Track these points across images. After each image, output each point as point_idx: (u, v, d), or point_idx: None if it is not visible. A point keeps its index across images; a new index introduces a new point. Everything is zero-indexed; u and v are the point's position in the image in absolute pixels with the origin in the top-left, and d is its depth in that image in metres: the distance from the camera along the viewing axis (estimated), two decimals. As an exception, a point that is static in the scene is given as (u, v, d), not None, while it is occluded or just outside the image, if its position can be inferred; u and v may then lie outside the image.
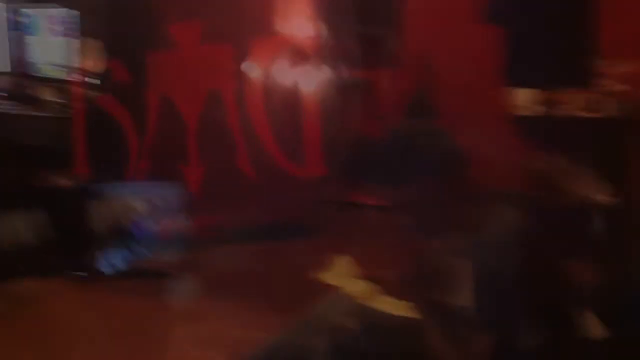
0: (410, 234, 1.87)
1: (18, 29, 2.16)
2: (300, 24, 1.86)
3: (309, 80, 1.83)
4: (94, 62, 1.99)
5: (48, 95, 2.08)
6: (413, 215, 1.91)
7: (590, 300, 1.42)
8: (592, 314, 1.40)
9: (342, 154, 1.95)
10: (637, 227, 1.63)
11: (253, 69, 1.83)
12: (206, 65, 1.88)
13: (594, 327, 1.40)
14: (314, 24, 1.85)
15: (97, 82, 1.98)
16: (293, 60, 1.86)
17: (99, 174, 1.99)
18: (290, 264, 1.98)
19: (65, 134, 1.98)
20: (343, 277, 1.64)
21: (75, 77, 2.00)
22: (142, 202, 2.42)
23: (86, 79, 1.99)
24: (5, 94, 2.17)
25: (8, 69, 2.16)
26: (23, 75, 2.14)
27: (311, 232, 1.98)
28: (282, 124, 1.94)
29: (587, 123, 1.66)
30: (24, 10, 2.19)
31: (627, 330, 1.39)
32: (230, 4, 1.90)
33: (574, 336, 1.39)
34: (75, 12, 2.03)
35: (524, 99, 1.75)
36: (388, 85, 1.82)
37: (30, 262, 2.24)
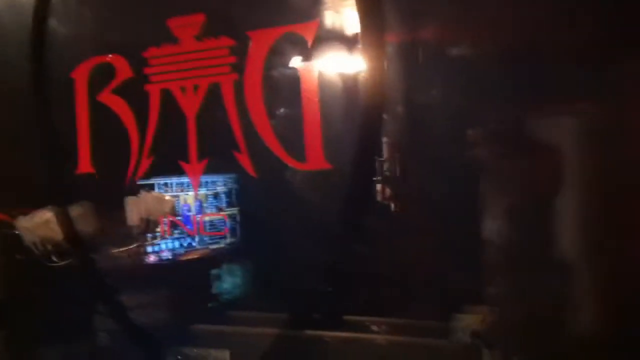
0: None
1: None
2: (301, 14, 1.78)
3: (310, 72, 1.76)
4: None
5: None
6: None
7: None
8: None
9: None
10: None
11: (252, 62, 1.77)
12: (206, 58, 1.84)
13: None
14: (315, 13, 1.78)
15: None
16: (294, 51, 1.80)
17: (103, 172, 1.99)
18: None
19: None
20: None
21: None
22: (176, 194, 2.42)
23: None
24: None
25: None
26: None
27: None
28: (282, 117, 1.88)
29: None
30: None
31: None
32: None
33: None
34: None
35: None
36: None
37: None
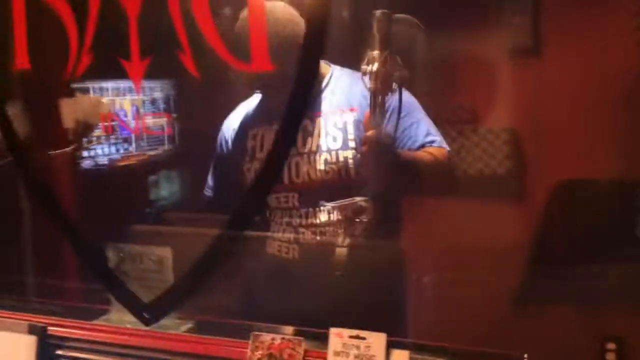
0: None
1: None
2: None
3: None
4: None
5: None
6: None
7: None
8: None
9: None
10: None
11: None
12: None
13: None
14: None
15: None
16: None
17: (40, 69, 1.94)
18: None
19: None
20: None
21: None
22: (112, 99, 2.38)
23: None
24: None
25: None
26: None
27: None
28: (226, 17, 1.86)
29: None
30: None
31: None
32: None
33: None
34: None
35: None
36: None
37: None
